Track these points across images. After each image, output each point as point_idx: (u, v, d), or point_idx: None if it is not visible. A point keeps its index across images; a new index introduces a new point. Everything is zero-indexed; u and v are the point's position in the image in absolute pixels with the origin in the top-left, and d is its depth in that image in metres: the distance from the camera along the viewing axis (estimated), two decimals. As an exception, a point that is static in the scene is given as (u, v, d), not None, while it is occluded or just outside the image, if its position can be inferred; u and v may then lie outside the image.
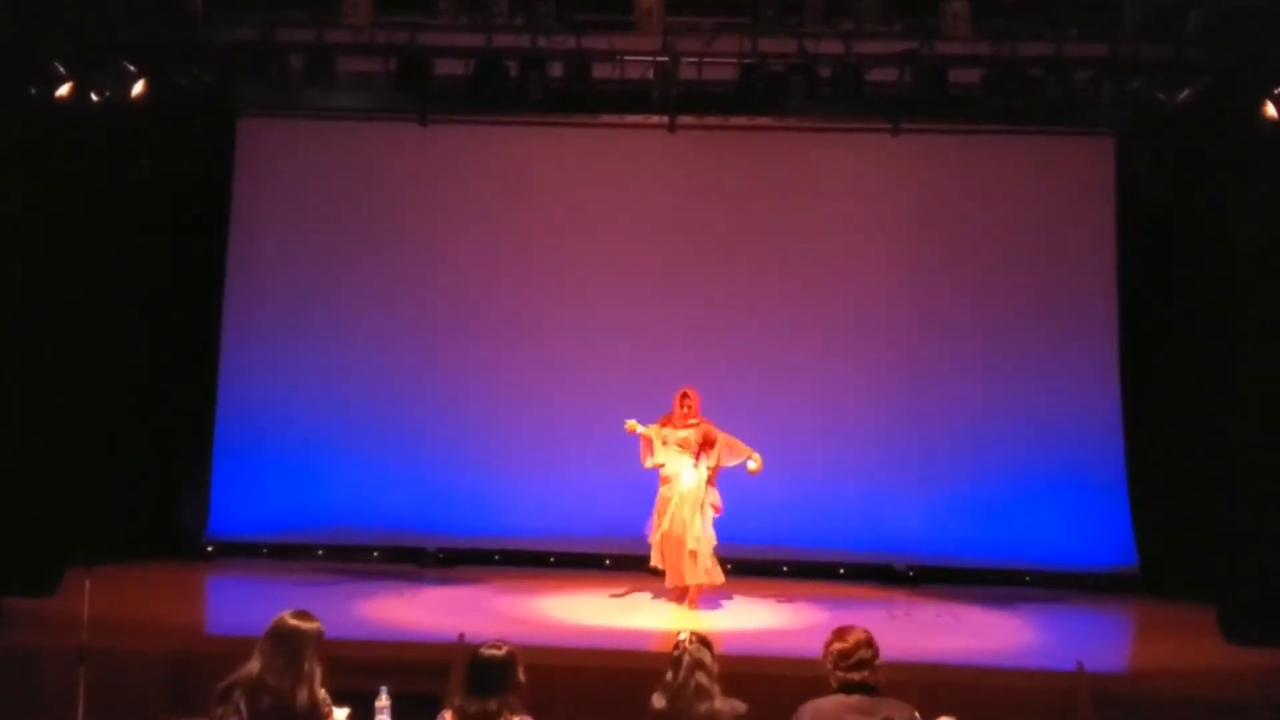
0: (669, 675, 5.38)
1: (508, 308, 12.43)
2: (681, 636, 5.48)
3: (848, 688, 5.04)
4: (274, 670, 4.91)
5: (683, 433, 10.48)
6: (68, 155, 10.48)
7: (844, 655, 5.07)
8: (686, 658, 5.37)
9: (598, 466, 11.58)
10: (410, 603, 10.55)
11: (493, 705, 5.01)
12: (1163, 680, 8.69)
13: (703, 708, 5.31)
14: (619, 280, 12.43)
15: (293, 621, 5.01)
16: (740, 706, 5.37)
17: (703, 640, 5.47)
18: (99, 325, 11.26)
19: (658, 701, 5.36)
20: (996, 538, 11.98)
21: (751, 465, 10.44)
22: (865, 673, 5.04)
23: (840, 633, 5.17)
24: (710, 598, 10.58)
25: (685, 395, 10.58)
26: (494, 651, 5.12)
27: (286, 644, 4.95)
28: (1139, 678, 9.07)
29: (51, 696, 7.85)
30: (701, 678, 5.34)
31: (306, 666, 4.95)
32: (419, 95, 10.78)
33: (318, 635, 5.03)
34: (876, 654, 5.09)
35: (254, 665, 4.94)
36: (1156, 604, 11.24)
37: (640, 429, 10.49)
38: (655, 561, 10.51)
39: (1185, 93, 9.88)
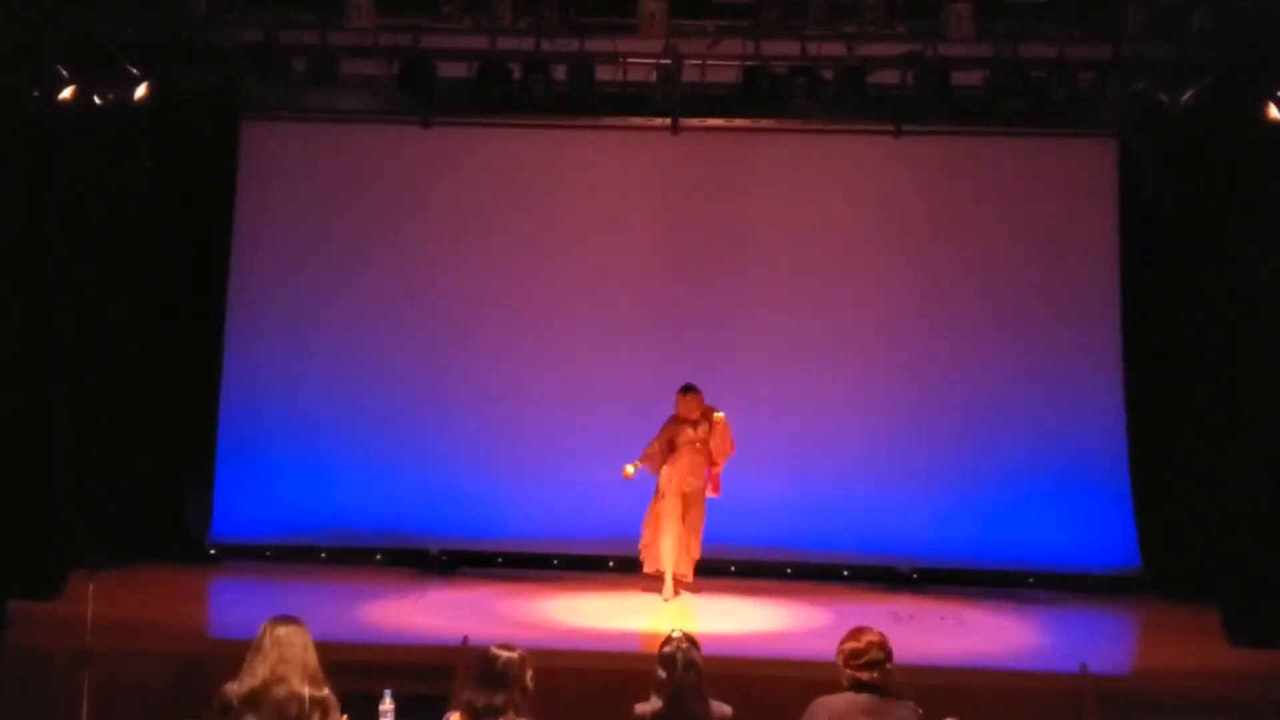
0: (662, 674, 5.36)
1: (511, 310, 12.42)
2: (675, 634, 5.47)
3: (857, 686, 5.10)
4: (273, 673, 4.92)
5: (698, 430, 10.54)
6: (70, 158, 10.48)
7: (855, 654, 5.14)
8: (680, 656, 5.36)
9: (602, 469, 11.55)
10: (414, 605, 10.55)
11: (499, 700, 5.02)
12: (1167, 682, 8.69)
13: (698, 708, 5.31)
14: (622, 282, 12.42)
15: (280, 626, 5.02)
16: (726, 709, 5.37)
17: (691, 640, 5.46)
18: (102, 328, 11.24)
19: (653, 702, 5.35)
20: (1000, 540, 11.96)
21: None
22: (875, 673, 5.10)
23: (855, 632, 5.24)
24: (715, 598, 10.60)
25: (693, 391, 10.61)
26: (504, 651, 5.14)
27: (278, 647, 4.96)
28: (1143, 679, 9.08)
29: (56, 700, 7.87)
30: (694, 678, 5.34)
31: (301, 663, 4.95)
32: (422, 98, 10.77)
33: (307, 635, 5.04)
34: (889, 657, 5.15)
35: (251, 673, 4.95)
36: (1160, 605, 11.23)
37: (634, 469, 10.63)
38: (653, 568, 10.63)
39: (1189, 94, 9.86)
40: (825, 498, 11.93)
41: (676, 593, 10.70)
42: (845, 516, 11.96)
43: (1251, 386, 10.27)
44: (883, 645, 5.17)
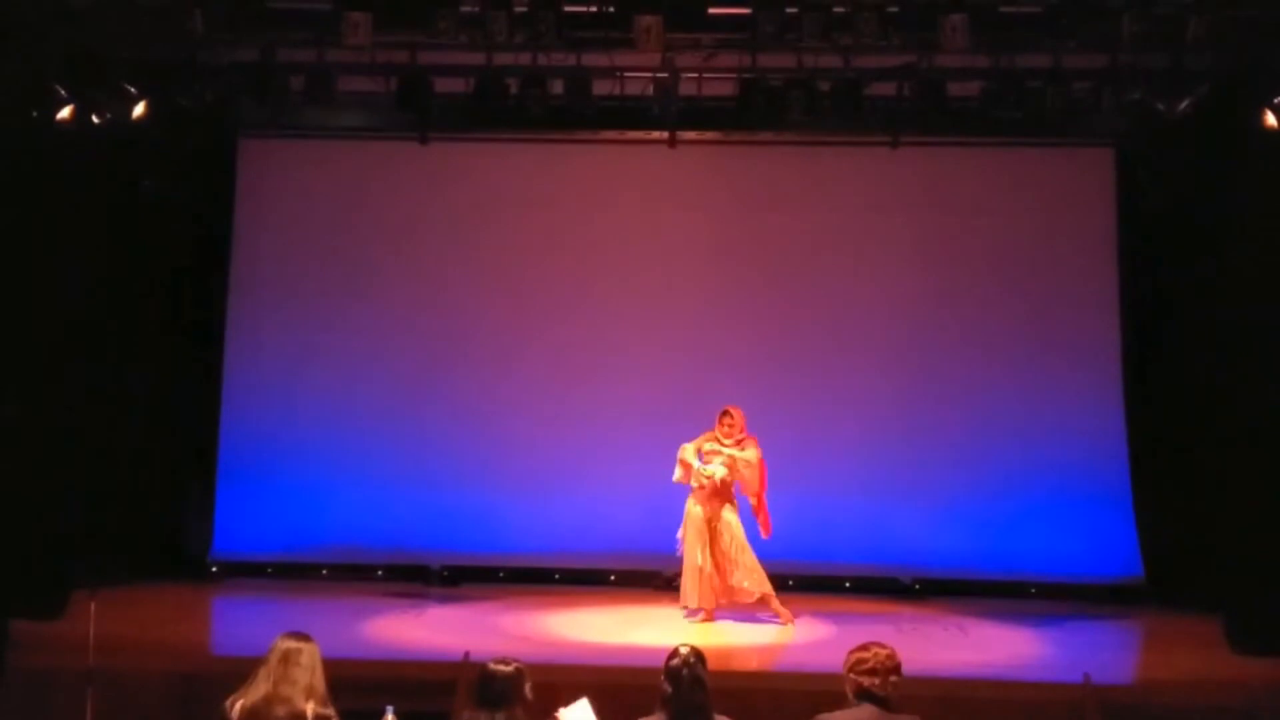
0: (668, 688, 5.35)
1: (510, 325, 12.44)
2: (682, 649, 5.46)
3: (861, 695, 5.03)
4: (276, 689, 4.94)
5: (726, 451, 10.34)
6: (69, 177, 10.49)
7: (860, 661, 5.08)
8: (686, 671, 5.34)
9: (602, 483, 11.58)
10: (415, 621, 10.53)
11: (499, 717, 5.01)
12: (1170, 691, 8.66)
13: None
14: (621, 296, 12.43)
15: (290, 642, 5.04)
16: None
17: (699, 655, 5.45)
18: (101, 347, 11.25)
19: (657, 716, 5.34)
20: (1002, 550, 11.96)
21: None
22: (877, 680, 5.02)
23: (864, 645, 5.17)
24: (717, 611, 10.57)
25: (727, 413, 10.36)
26: (502, 667, 5.14)
27: (285, 663, 4.98)
28: (1146, 689, 9.04)
29: (59, 719, 7.85)
30: (700, 693, 5.32)
31: (307, 682, 4.97)
32: (420, 114, 10.80)
33: (316, 653, 5.05)
34: (895, 670, 5.07)
35: (255, 686, 4.96)
36: (1162, 615, 11.22)
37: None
38: (693, 602, 10.31)
39: (1185, 102, 9.88)
40: (827, 509, 11.91)
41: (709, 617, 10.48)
42: (847, 527, 11.96)
43: (1251, 394, 10.27)
44: (890, 657, 5.09)
